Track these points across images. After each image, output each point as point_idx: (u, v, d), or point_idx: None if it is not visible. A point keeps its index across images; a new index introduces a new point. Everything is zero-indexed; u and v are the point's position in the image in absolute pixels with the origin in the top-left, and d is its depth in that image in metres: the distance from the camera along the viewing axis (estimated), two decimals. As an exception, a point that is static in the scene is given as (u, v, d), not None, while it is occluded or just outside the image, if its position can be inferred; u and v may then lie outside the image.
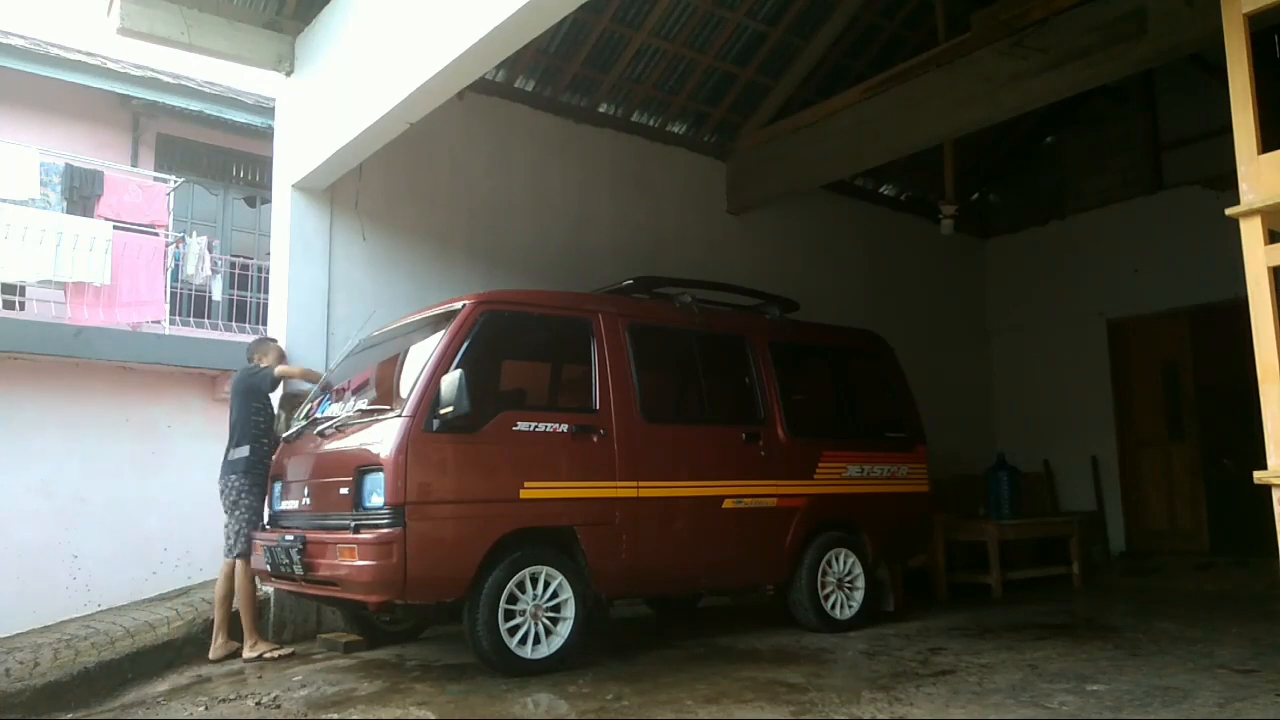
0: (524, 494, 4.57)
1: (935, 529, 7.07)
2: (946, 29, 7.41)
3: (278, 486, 5.25)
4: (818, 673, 4.52)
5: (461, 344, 4.56)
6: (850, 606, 5.77)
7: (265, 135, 9.13)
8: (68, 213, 8.29)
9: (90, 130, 9.64)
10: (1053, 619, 6.21)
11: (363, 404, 4.83)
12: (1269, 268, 2.88)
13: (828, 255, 9.19)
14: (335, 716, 3.94)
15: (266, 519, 5.37)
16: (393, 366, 4.94)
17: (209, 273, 9.08)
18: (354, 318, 6.24)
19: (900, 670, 4.56)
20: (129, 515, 8.16)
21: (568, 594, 4.60)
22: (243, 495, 5.39)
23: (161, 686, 4.82)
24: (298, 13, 6.59)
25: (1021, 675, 4.39)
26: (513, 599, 4.44)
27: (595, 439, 4.87)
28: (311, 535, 4.54)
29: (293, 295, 6.28)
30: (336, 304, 6.41)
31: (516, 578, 4.46)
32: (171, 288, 8.75)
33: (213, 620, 5.36)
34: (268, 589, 5.46)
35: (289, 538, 4.63)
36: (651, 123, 8.23)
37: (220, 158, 10.52)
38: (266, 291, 7.63)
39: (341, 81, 5.96)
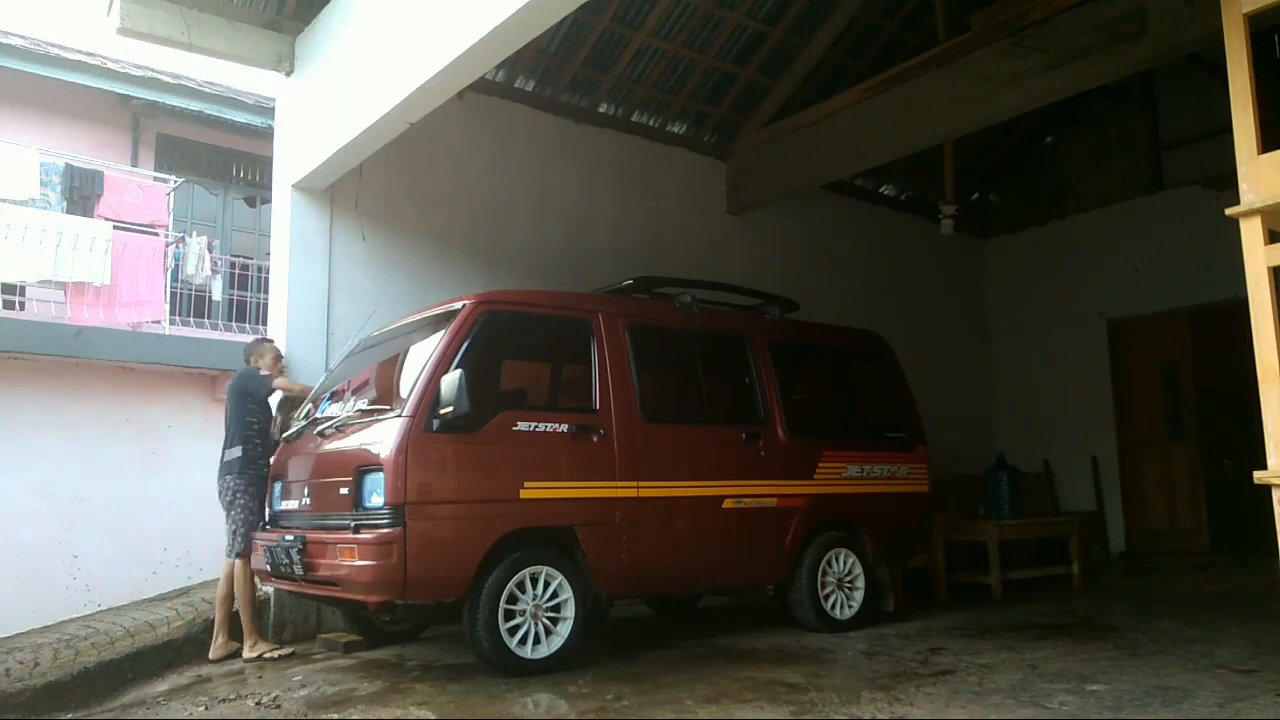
0: (524, 494, 4.57)
1: (935, 529, 7.07)
2: (946, 29, 7.41)
3: (278, 486, 5.26)
4: (818, 673, 4.52)
5: (461, 344, 4.56)
6: (850, 606, 5.77)
7: (265, 135, 9.13)
8: (68, 213, 8.28)
9: (90, 130, 9.64)
10: (1053, 619, 6.21)
11: (363, 404, 4.83)
12: (1269, 268, 2.88)
13: (828, 255, 9.19)
14: (335, 716, 3.94)
15: (266, 519, 5.37)
16: (393, 366, 4.94)
17: (209, 273, 9.07)
18: (354, 318, 6.25)
19: (900, 670, 4.56)
20: (129, 515, 8.15)
21: (568, 594, 4.60)
22: (238, 495, 5.39)
23: (161, 686, 4.82)
24: (298, 13, 6.59)
25: (1021, 675, 4.39)
26: (513, 599, 4.44)
27: (595, 439, 4.87)
28: (311, 535, 4.54)
29: (293, 295, 6.28)
30: (336, 304, 6.42)
31: (516, 578, 4.46)
32: (171, 288, 8.74)
33: (213, 620, 5.37)
34: (268, 589, 5.46)
35: (289, 538, 4.63)
36: (651, 123, 8.24)
37: (220, 158, 10.51)
38: (266, 291, 7.63)
39: (341, 81, 5.96)
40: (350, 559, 4.24)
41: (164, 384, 8.57)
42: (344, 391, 5.21)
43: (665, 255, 7.67)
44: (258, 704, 4.24)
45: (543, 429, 4.71)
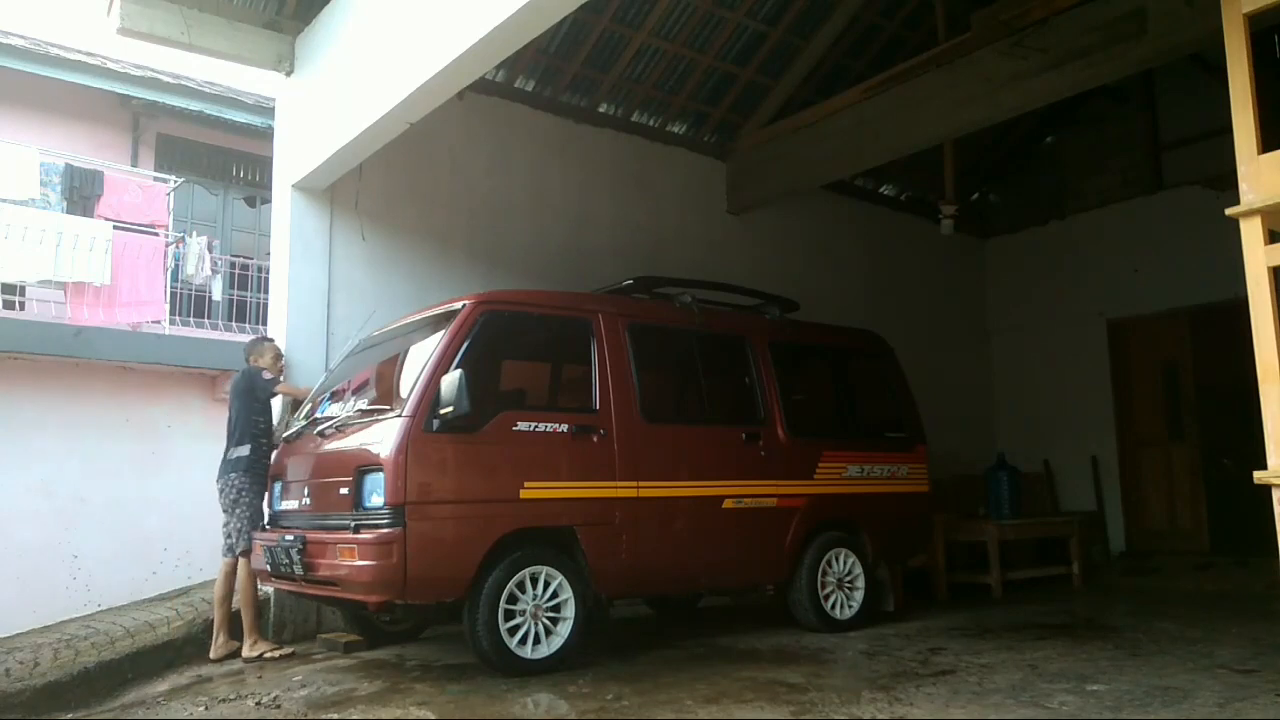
0: (524, 494, 4.57)
1: (935, 529, 7.07)
2: (946, 29, 7.41)
3: (278, 486, 5.25)
4: (818, 673, 4.52)
5: (461, 344, 4.56)
6: (850, 606, 5.77)
7: (265, 135, 9.13)
8: (68, 213, 8.29)
9: (90, 130, 9.64)
10: (1053, 619, 6.21)
11: (363, 404, 4.83)
12: (1269, 268, 2.88)
13: (828, 255, 9.19)
14: (335, 716, 3.94)
15: (266, 519, 5.37)
16: (393, 366, 4.94)
17: (209, 273, 9.08)
18: (354, 318, 6.25)
19: (900, 670, 4.56)
20: (129, 515, 8.16)
21: (568, 594, 4.60)
22: (243, 494, 5.39)
23: (161, 686, 4.82)
24: (298, 13, 6.59)
25: (1021, 675, 4.39)
26: (513, 599, 4.44)
27: (595, 439, 4.87)
28: (311, 535, 4.54)
29: (293, 295, 6.28)
30: (336, 304, 6.41)
31: (516, 578, 4.46)
32: (171, 288, 8.76)
33: (213, 620, 5.37)
34: (268, 589, 5.46)
35: (289, 538, 4.63)
36: (651, 123, 8.23)
37: (220, 158, 10.51)
38: (266, 291, 7.63)
39: (341, 81, 5.96)
40: (350, 559, 4.24)
41: (164, 384, 8.58)
42: (344, 391, 5.22)
43: (665, 255, 7.67)
44: (258, 704, 4.25)
45: (543, 429, 4.71)
